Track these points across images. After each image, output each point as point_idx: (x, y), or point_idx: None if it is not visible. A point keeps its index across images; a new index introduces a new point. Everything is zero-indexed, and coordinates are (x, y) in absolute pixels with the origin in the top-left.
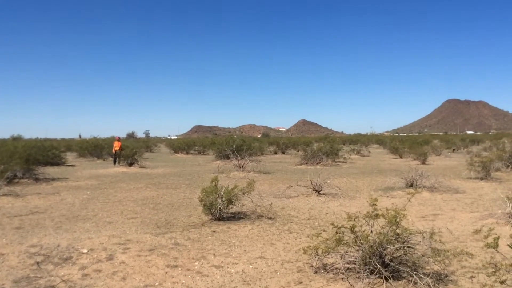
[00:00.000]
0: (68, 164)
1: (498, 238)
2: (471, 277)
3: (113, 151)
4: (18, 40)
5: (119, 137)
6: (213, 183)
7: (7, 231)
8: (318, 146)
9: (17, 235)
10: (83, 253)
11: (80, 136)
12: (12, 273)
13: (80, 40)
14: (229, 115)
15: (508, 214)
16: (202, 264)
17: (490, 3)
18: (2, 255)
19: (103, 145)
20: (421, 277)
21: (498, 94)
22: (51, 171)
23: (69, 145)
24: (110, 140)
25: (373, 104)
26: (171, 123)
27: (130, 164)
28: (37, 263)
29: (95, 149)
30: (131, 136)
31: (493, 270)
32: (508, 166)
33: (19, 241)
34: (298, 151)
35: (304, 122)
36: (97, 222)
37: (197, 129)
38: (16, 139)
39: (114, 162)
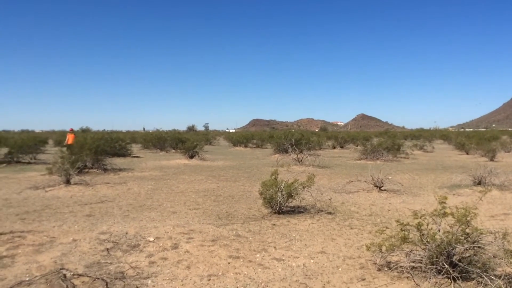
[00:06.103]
0: (133, 156)
1: None
2: None
3: (66, 143)
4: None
5: (72, 129)
6: (273, 176)
7: (79, 218)
8: (378, 141)
9: (88, 222)
10: (150, 241)
11: (144, 129)
12: (84, 258)
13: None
14: (286, 109)
15: None
16: (263, 256)
17: None
18: (75, 241)
19: (165, 138)
20: (492, 279)
21: None
22: (118, 162)
23: (134, 137)
24: (172, 133)
25: (437, 98)
26: (229, 117)
27: (191, 157)
28: (107, 249)
29: (158, 141)
30: (191, 129)
31: None
32: None
33: (90, 228)
34: (357, 146)
35: (363, 117)
36: (162, 212)
37: (255, 122)
38: (85, 131)
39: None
